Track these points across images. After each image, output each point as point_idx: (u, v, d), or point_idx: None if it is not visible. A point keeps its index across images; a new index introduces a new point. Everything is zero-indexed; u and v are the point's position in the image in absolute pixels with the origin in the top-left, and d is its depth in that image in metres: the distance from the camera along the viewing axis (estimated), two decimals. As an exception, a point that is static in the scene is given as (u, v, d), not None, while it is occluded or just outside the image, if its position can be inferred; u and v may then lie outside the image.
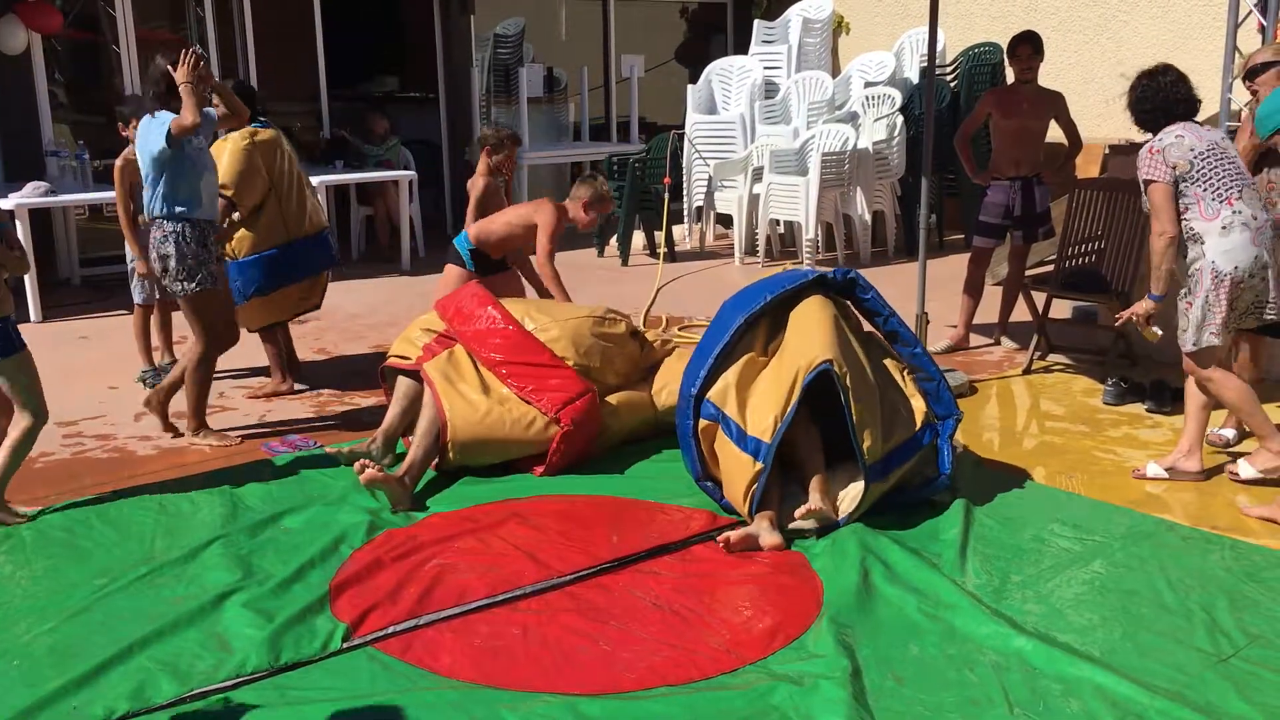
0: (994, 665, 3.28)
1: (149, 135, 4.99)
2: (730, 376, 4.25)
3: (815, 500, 4.08)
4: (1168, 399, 5.59)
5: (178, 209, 5.03)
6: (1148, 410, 5.60)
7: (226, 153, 5.85)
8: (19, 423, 4.30)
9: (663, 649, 3.40)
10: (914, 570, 3.85)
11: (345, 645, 3.42)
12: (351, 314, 7.84)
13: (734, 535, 4.04)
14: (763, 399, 4.18)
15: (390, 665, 3.33)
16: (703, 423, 4.27)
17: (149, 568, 3.91)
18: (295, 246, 6.09)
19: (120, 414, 5.72)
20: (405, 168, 9.70)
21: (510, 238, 5.85)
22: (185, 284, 5.09)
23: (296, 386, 6.16)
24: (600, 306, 5.28)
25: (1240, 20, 7.27)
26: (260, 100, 6.25)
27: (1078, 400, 5.81)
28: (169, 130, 4.86)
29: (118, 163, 5.89)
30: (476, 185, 6.13)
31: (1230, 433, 5.08)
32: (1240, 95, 7.63)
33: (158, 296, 6.13)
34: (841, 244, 9.44)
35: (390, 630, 3.50)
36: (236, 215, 5.93)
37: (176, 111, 4.90)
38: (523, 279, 6.15)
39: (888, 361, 4.52)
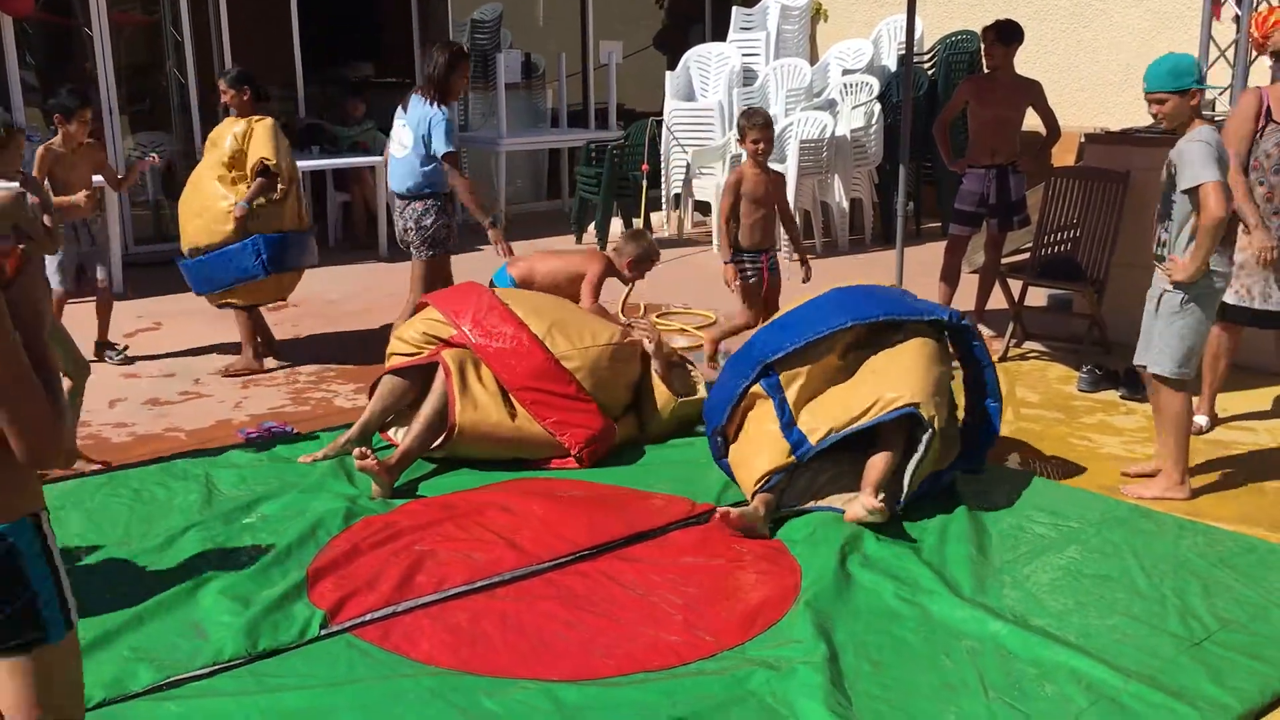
0: (970, 650, 3.31)
1: (424, 121, 5.57)
2: (805, 366, 4.19)
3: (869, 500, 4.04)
4: (1141, 386, 5.63)
5: (438, 187, 5.66)
6: (1121, 397, 5.65)
7: (264, 129, 6.11)
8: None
9: (641, 635, 3.41)
10: (891, 556, 3.87)
11: (323, 632, 3.42)
12: (329, 300, 7.80)
13: (734, 512, 4.04)
14: (828, 402, 4.15)
15: (368, 652, 3.32)
16: (756, 387, 4.21)
17: (124, 555, 3.89)
18: (303, 235, 6.34)
19: (94, 401, 5.66)
20: (382, 153, 9.64)
21: (554, 288, 5.65)
22: (433, 249, 5.69)
23: (269, 366, 6.18)
24: (617, 331, 5.08)
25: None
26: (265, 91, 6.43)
27: (1053, 387, 5.85)
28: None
29: (40, 150, 5.82)
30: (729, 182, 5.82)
31: (1203, 419, 5.14)
32: (1216, 83, 7.68)
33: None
34: (819, 231, 9.45)
35: (368, 617, 3.49)
36: (280, 189, 6.12)
37: (448, 104, 5.60)
38: None
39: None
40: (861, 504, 4.01)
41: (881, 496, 4.01)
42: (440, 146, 5.57)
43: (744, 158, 5.85)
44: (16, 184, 4.72)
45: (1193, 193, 4.13)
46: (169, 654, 3.27)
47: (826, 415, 4.13)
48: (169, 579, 3.71)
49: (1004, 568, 3.83)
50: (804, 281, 5.74)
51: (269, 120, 6.19)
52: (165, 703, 3.06)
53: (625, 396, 5.08)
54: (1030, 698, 3.07)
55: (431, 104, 5.61)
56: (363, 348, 6.56)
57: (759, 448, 4.18)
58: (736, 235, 5.79)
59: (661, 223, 10.24)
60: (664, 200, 10.23)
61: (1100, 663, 3.20)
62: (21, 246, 2.05)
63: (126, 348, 6.47)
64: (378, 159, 9.41)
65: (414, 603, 3.58)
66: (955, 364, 4.53)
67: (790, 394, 4.17)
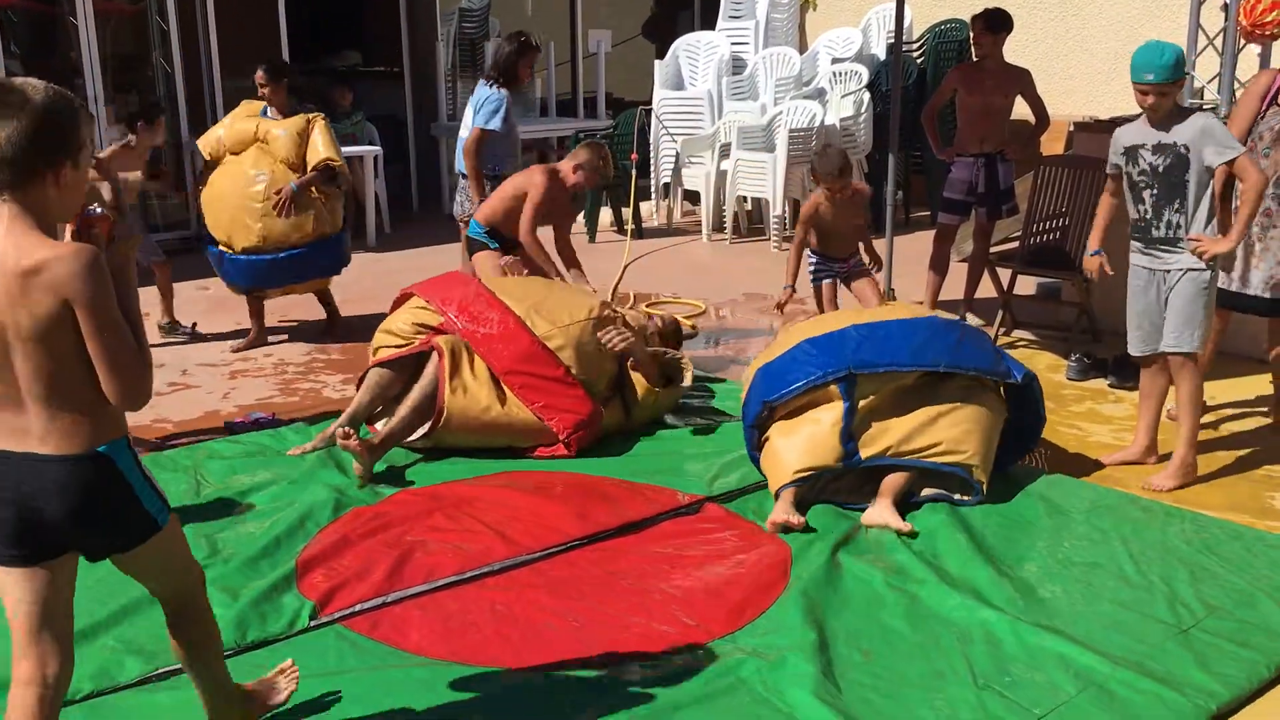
0: (959, 637, 3.31)
1: (479, 100, 5.97)
2: (883, 384, 4.16)
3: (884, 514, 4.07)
4: (1130, 374, 5.63)
5: (491, 168, 5.96)
6: (1110, 385, 5.66)
7: (326, 130, 6.31)
8: None
9: (631, 625, 3.41)
10: (881, 545, 3.88)
11: (313, 623, 3.41)
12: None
13: (790, 519, 3.99)
14: (888, 425, 4.13)
15: (358, 643, 3.32)
16: (831, 386, 4.17)
17: (112, 547, 3.87)
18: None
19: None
20: (370, 143, 9.60)
21: (513, 212, 5.73)
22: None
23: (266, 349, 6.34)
24: (597, 302, 5.07)
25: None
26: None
27: (1042, 375, 5.78)
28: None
29: (113, 148, 6.01)
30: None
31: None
32: (1204, 73, 7.69)
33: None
34: (808, 220, 9.44)
35: (358, 608, 3.49)
36: (343, 187, 6.43)
37: (512, 89, 5.99)
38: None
39: None
40: (888, 521, 4.00)
41: (896, 495, 4.10)
42: (478, 120, 5.85)
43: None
44: (92, 170, 4.82)
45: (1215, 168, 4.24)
46: (158, 645, 3.25)
47: (884, 437, 4.12)
48: (157, 570, 3.69)
49: (993, 556, 3.83)
50: (876, 272, 5.88)
51: (323, 118, 6.37)
52: (155, 694, 3.06)
53: (611, 369, 5.03)
54: (1019, 685, 3.08)
55: (490, 85, 5.92)
56: (352, 337, 6.54)
57: (806, 441, 4.13)
58: (814, 251, 5.71)
59: (651, 212, 10.23)
60: (653, 190, 10.21)
61: (1089, 650, 3.21)
62: (108, 217, 2.48)
63: (195, 325, 6.63)
64: (366, 149, 9.38)
65: (404, 593, 3.58)
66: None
67: (860, 404, 4.14)
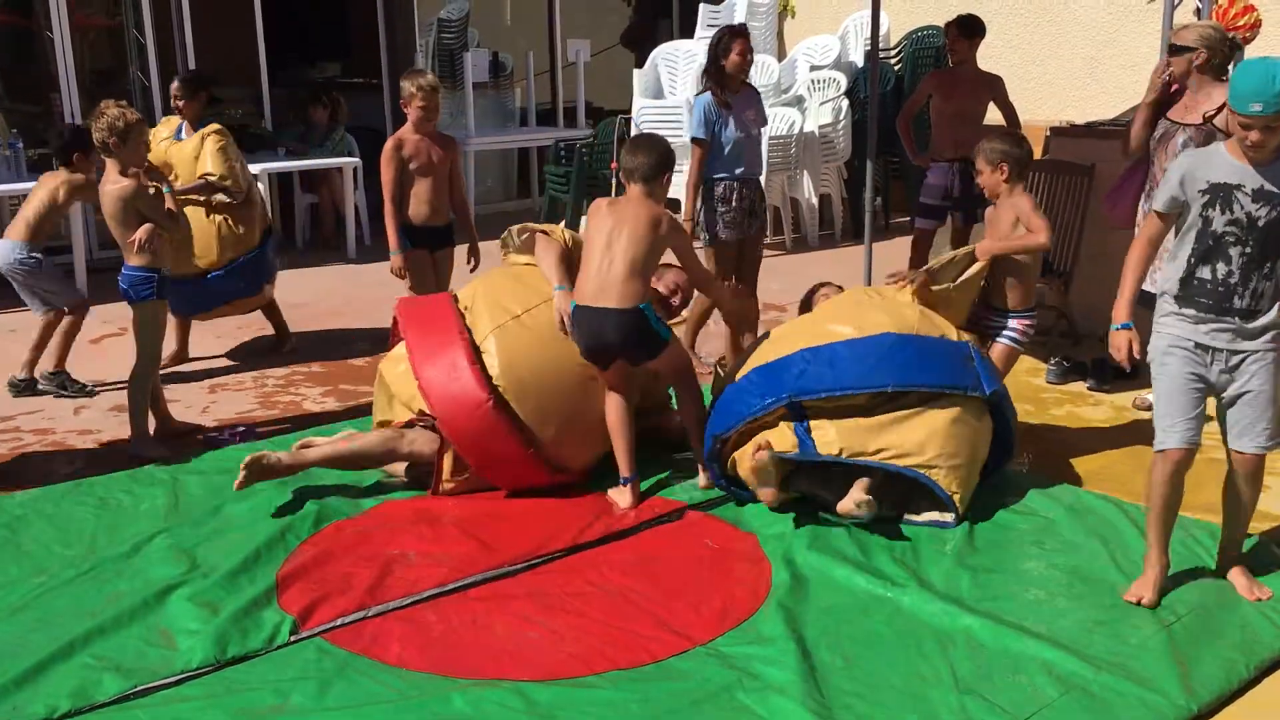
0: (941, 642, 3.31)
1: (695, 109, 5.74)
2: (831, 404, 4.07)
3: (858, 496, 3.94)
4: (1109, 377, 5.68)
5: (708, 173, 5.75)
6: (1089, 388, 5.69)
7: (211, 143, 6.11)
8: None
9: (613, 634, 3.40)
10: (862, 550, 3.88)
11: (293, 638, 3.39)
12: (296, 303, 7.72)
13: (764, 454, 3.96)
14: (848, 425, 4.03)
15: (339, 657, 3.28)
16: (779, 410, 4.08)
17: (90, 563, 3.84)
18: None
19: (58, 408, 5.61)
20: (349, 155, 9.57)
21: (405, 198, 5.52)
22: (708, 233, 5.84)
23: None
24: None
25: (1177, 3, 7.36)
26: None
27: (1021, 379, 5.87)
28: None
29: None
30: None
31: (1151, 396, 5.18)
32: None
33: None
34: (789, 227, 9.47)
35: (338, 622, 3.47)
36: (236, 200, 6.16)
37: (726, 88, 5.62)
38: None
39: None
40: (851, 498, 3.91)
41: (868, 485, 3.94)
42: (687, 131, 5.73)
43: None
44: (131, 180, 4.77)
45: None
46: (136, 662, 3.24)
47: (843, 435, 4.01)
48: (135, 586, 3.67)
49: (975, 560, 3.84)
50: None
51: (219, 131, 6.17)
52: (133, 711, 3.03)
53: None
54: (1002, 690, 3.08)
55: (704, 90, 5.69)
56: (331, 350, 6.52)
57: (769, 436, 4.08)
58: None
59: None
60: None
61: (1071, 653, 3.22)
62: None
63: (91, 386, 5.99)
64: (345, 160, 9.35)
65: (385, 607, 3.55)
66: None
67: (810, 421, 4.08)
